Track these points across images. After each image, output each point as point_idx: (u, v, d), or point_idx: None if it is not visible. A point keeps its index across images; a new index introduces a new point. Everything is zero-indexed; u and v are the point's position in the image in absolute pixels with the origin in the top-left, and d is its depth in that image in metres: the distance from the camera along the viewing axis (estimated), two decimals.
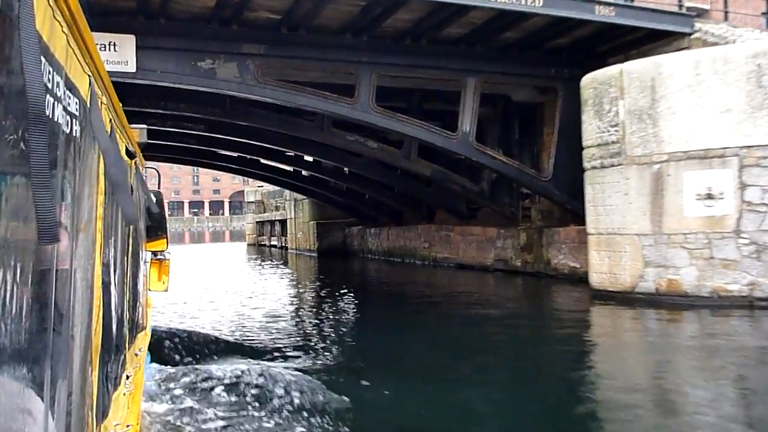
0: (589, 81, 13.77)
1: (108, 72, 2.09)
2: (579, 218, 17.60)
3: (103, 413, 2.26)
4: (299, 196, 35.17)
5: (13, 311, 1.09)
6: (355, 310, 15.74)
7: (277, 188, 49.10)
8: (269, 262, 33.32)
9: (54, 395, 1.40)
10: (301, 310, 16.03)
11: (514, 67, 16.64)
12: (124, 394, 2.96)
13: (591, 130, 13.63)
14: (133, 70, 12.98)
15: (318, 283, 22.23)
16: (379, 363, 9.38)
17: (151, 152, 25.08)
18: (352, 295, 18.73)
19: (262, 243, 46.44)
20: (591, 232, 13.75)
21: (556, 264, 17.56)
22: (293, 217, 36.94)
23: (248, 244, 48.91)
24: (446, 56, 15.79)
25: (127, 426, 2.61)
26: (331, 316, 14.60)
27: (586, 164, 13.82)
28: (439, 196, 22.54)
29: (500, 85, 18.11)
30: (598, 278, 13.58)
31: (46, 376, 1.31)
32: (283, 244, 40.78)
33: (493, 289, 18.74)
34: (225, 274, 25.32)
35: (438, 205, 23.18)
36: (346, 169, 25.35)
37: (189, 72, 13.61)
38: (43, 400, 1.29)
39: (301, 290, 20.51)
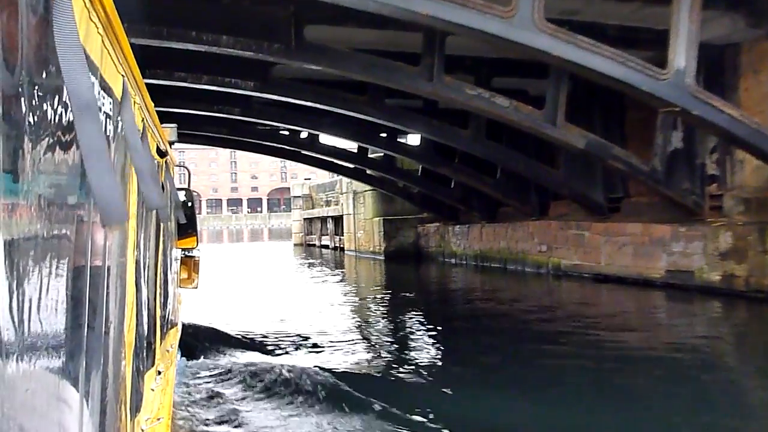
0: None
1: None
2: None
3: (136, 407, 2.31)
4: (360, 188, 29.28)
5: (50, 307, 1.09)
6: (439, 348, 10.23)
7: (327, 180, 43.52)
8: (323, 268, 27.47)
9: (89, 389, 1.41)
10: (364, 346, 10.33)
11: None
12: (156, 389, 2.95)
13: None
14: None
15: (387, 301, 16.11)
16: None
17: (181, 131, 19.51)
18: (436, 318, 13.07)
19: (311, 243, 40.76)
20: None
21: None
22: (352, 212, 31.06)
23: (295, 244, 43.29)
24: None
25: (159, 419, 2.63)
26: (406, 356, 9.56)
27: None
28: (572, 181, 16.36)
29: None
30: None
31: (81, 371, 1.32)
32: (337, 245, 34.99)
33: (680, 320, 12.34)
34: (274, 287, 19.59)
35: (569, 193, 16.96)
36: (417, 142, 19.46)
37: None
38: (78, 393, 1.30)
39: (363, 313, 14.51)
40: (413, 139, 22.75)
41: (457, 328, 12.09)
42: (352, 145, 23.44)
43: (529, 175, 16.95)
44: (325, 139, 22.32)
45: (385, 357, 9.62)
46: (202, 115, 17.61)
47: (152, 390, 2.87)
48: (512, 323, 12.34)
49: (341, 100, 14.89)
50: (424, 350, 10.11)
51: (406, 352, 9.94)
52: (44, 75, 1.00)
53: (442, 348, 10.28)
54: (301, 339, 10.25)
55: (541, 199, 19.86)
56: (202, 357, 8.35)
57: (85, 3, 1.21)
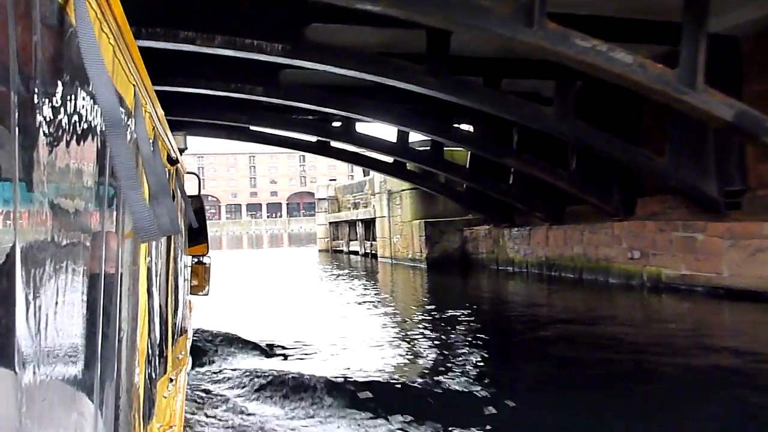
0: None
1: None
2: None
3: (148, 415, 2.29)
4: (396, 187, 26.02)
5: (65, 315, 1.08)
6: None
7: (354, 181, 40.46)
8: (355, 278, 24.16)
9: (103, 398, 1.42)
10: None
11: None
12: (168, 397, 2.96)
13: None
14: None
15: (443, 320, 12.62)
16: None
17: (194, 119, 16.46)
18: (508, 349, 9.82)
19: (338, 249, 37.57)
20: None
21: None
22: (386, 215, 27.76)
23: (320, 250, 40.13)
24: None
25: (171, 427, 2.63)
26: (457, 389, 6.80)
27: None
28: (680, 170, 12.94)
29: None
30: None
31: (95, 379, 1.33)
32: (369, 251, 31.74)
33: None
34: (302, 299, 16.34)
35: (676, 185, 13.46)
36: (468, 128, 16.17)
37: None
38: (92, 402, 1.31)
39: (405, 333, 11.09)
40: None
41: (527, 358, 8.79)
42: (390, 136, 20.17)
43: (628, 164, 13.52)
44: (361, 128, 19.09)
45: (425, 384, 7.23)
46: (216, 97, 14.48)
47: (164, 397, 2.84)
48: (604, 352, 8.95)
49: (393, 69, 11.66)
50: (484, 380, 7.06)
51: (458, 382, 7.08)
52: (58, 85, 1.01)
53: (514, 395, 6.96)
54: (332, 356, 8.98)
55: (624, 195, 16.43)
56: (218, 364, 8.18)
57: (96, 14, 1.20)
